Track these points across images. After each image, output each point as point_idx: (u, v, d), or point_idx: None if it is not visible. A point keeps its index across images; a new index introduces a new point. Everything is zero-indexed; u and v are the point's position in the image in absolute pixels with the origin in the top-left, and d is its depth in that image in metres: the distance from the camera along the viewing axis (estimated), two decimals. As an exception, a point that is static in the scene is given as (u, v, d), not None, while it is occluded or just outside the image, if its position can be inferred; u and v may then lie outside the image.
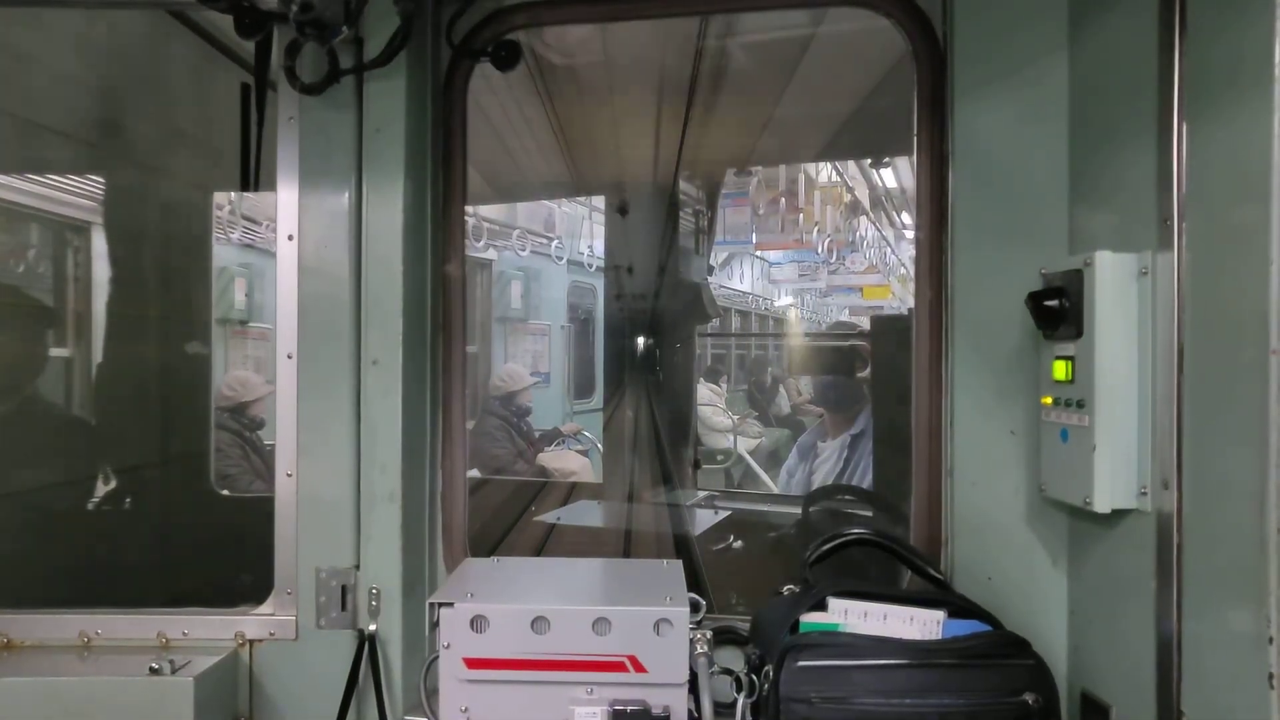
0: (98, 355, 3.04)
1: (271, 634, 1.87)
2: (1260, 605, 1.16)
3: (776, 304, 15.65)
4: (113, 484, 3.06)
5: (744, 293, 14.43)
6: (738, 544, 3.65)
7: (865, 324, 5.29)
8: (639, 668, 1.55)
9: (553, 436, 6.77)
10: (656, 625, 1.56)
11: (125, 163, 3.00)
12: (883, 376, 3.38)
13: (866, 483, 3.57)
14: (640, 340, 4.08)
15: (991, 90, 1.73)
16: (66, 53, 2.64)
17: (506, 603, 1.60)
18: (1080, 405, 1.50)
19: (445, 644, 1.58)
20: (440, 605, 1.60)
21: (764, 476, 8.27)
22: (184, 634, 1.86)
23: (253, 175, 2.13)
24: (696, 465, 4.62)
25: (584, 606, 1.58)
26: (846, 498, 3.53)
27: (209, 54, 2.74)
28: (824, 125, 3.63)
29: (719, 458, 8.52)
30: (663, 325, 4.07)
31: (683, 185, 3.94)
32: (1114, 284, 1.46)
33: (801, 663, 1.46)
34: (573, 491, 4.48)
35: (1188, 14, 1.33)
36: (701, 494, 4.28)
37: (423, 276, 1.97)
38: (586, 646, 1.56)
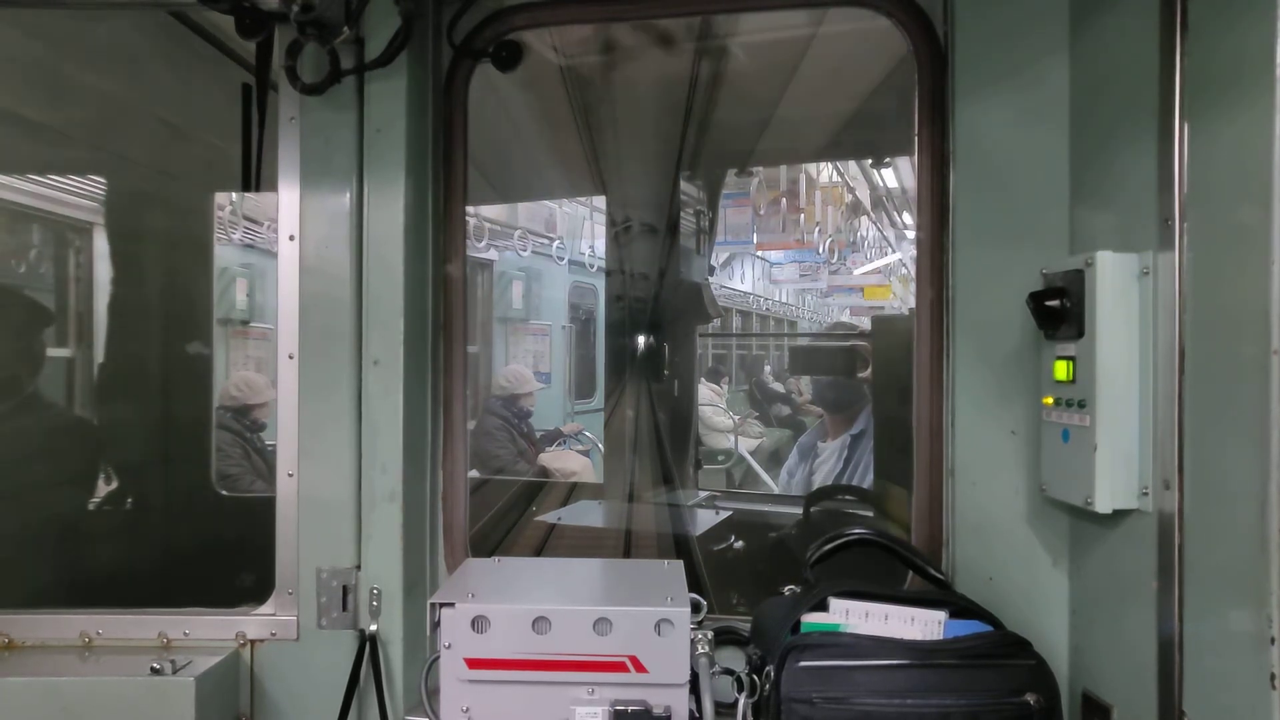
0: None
1: (272, 634, 1.87)
2: (1261, 605, 1.16)
3: (775, 301, 15.65)
4: (114, 484, 3.06)
5: (745, 293, 14.44)
6: (739, 544, 3.65)
7: (866, 324, 5.29)
8: (640, 668, 1.55)
9: (554, 437, 6.78)
10: (657, 625, 1.56)
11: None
12: (883, 377, 3.38)
13: (867, 483, 3.57)
14: (641, 340, 4.08)
15: (993, 90, 1.73)
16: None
17: (507, 603, 1.60)
18: (1081, 405, 1.50)
19: (446, 644, 1.59)
20: (441, 605, 1.60)
21: (765, 477, 8.27)
22: (185, 634, 1.86)
23: (254, 175, 2.13)
24: (697, 465, 4.62)
25: (585, 607, 1.58)
26: (847, 498, 3.53)
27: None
28: (825, 125, 3.62)
29: (720, 458, 8.52)
30: (663, 325, 4.07)
31: (683, 185, 3.94)
32: (1115, 284, 1.46)
33: (803, 663, 1.46)
34: (573, 491, 4.48)
35: (1189, 15, 1.33)
36: (702, 494, 4.28)
37: (424, 277, 1.97)
38: (587, 647, 1.56)
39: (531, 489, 4.60)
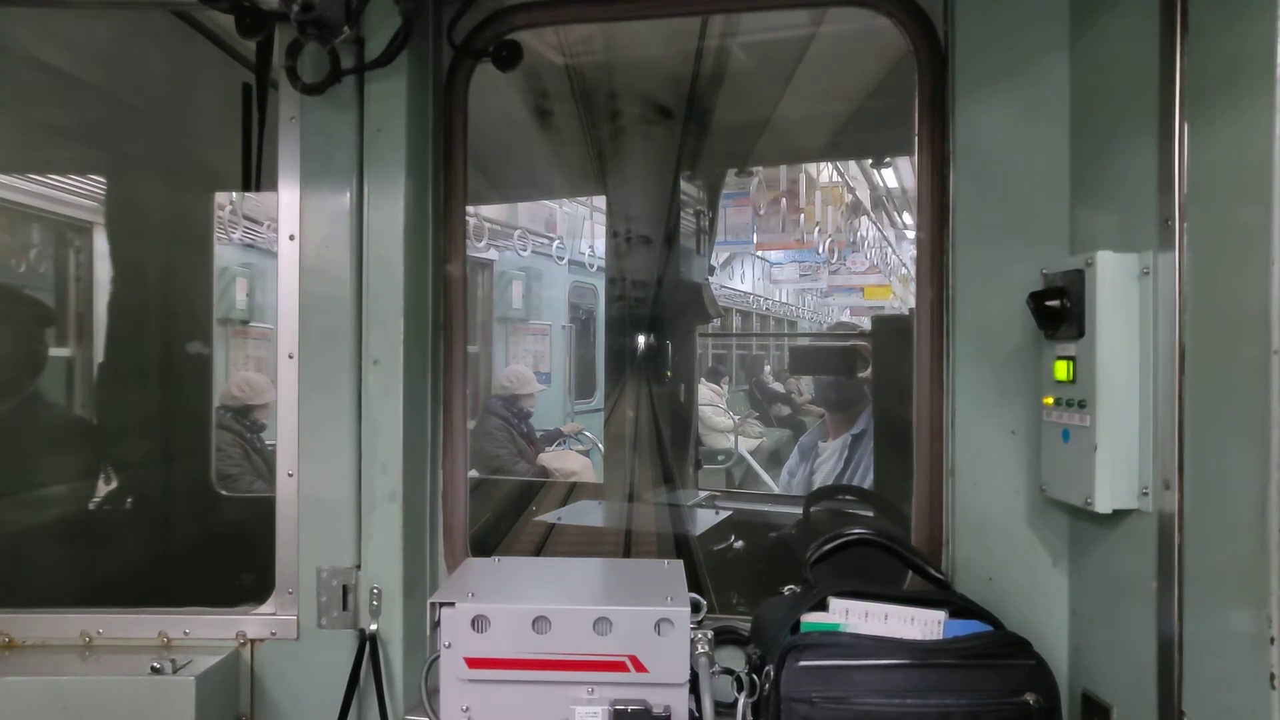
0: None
1: (273, 633, 1.87)
2: (1261, 605, 1.16)
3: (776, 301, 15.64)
4: (114, 483, 3.06)
5: (745, 293, 14.44)
6: (738, 544, 3.65)
7: (866, 324, 5.29)
8: (640, 667, 1.55)
9: (554, 437, 6.78)
10: (657, 625, 1.56)
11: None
12: (884, 377, 3.38)
13: (867, 483, 3.57)
14: (641, 340, 4.08)
15: (993, 90, 1.73)
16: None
17: (507, 602, 1.60)
18: (1081, 405, 1.50)
19: (446, 643, 1.59)
20: (441, 605, 1.60)
21: (765, 476, 8.27)
22: (185, 633, 1.86)
23: (254, 175, 2.13)
24: (697, 465, 4.62)
25: (585, 606, 1.58)
26: (847, 498, 3.53)
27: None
28: (825, 125, 3.63)
29: (720, 458, 8.52)
30: (663, 324, 4.07)
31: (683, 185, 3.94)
32: (1115, 284, 1.46)
33: (803, 662, 1.46)
34: (573, 491, 4.48)
35: (1189, 14, 1.33)
36: (702, 494, 4.28)
37: (424, 276, 1.97)
38: (587, 646, 1.56)
39: (532, 489, 4.61)
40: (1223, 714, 1.26)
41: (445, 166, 2.04)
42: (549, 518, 3.86)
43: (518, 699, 1.57)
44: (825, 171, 9.89)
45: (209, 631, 1.86)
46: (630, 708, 1.54)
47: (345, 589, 1.85)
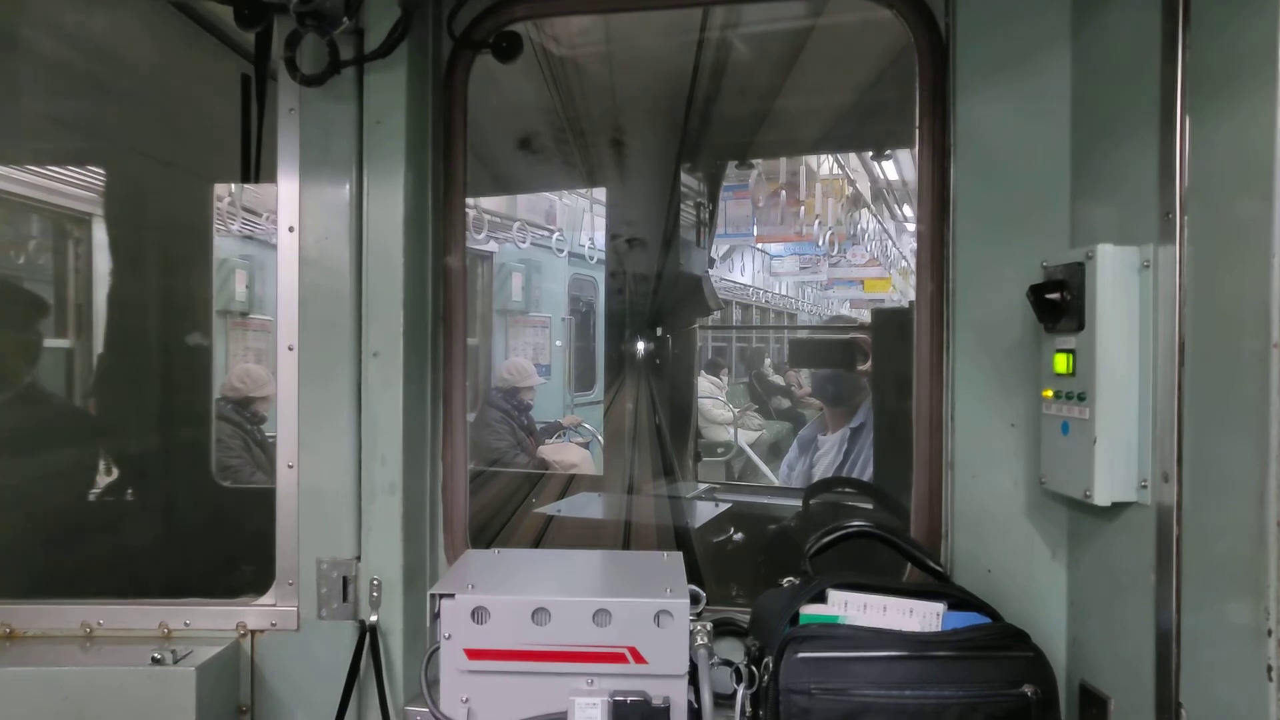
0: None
1: (273, 624, 1.87)
2: (1259, 598, 1.16)
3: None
4: (114, 474, 3.06)
5: (745, 285, 14.42)
6: (738, 536, 3.66)
7: (866, 317, 5.29)
8: (639, 659, 1.56)
9: (554, 429, 6.78)
10: (657, 617, 1.56)
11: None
12: (883, 370, 3.39)
13: (867, 476, 3.57)
14: (640, 333, 4.08)
15: (993, 82, 1.73)
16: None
17: (507, 594, 1.60)
18: (1081, 398, 1.50)
19: (446, 635, 1.59)
20: (441, 596, 1.60)
21: (764, 469, 8.28)
22: (186, 624, 1.86)
23: (253, 167, 2.13)
24: (697, 458, 4.63)
25: (584, 598, 1.59)
26: (847, 490, 3.54)
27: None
28: (825, 117, 3.62)
29: (719, 450, 8.53)
30: (663, 318, 4.07)
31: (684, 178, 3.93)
32: (1115, 277, 1.45)
33: (801, 654, 1.46)
34: (571, 483, 4.49)
35: (1191, 7, 1.32)
36: (702, 486, 4.28)
37: (423, 268, 1.97)
38: (587, 637, 1.57)
39: (532, 481, 4.61)
40: (1220, 706, 1.26)
41: (445, 158, 2.03)
42: (548, 509, 3.87)
43: (517, 690, 1.58)
44: (825, 164, 9.88)
45: (209, 622, 1.87)
46: (629, 699, 1.55)
47: (345, 580, 1.86)
